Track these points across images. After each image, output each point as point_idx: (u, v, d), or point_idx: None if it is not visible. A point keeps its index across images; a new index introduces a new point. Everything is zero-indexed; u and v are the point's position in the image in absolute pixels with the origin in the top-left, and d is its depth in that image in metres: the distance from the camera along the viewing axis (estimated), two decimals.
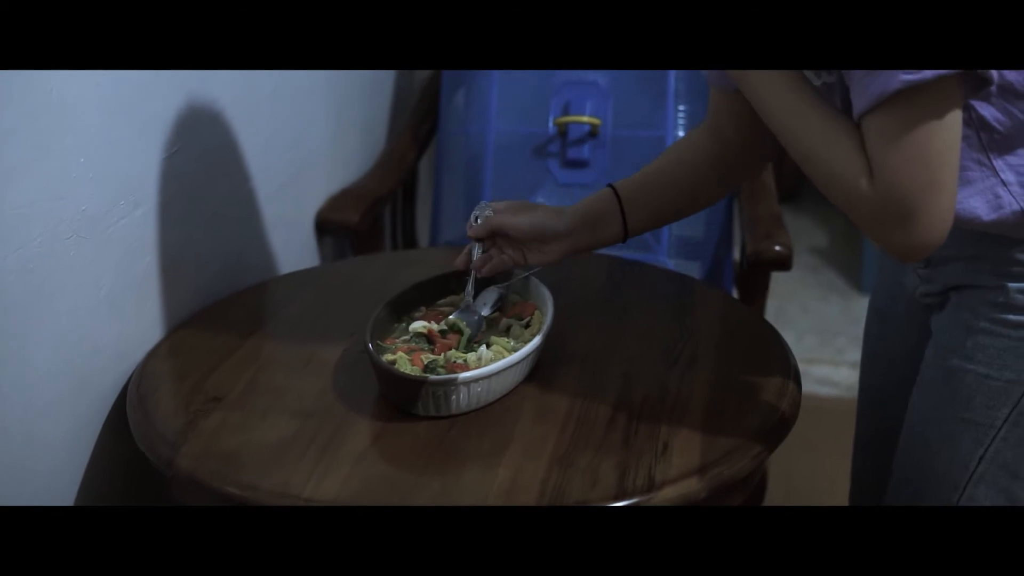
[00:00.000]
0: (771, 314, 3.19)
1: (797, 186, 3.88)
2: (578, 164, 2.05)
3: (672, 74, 2.06)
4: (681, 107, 2.06)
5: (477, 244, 1.42)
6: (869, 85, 1.04)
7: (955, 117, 1.05)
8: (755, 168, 1.51)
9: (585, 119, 2.04)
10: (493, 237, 1.42)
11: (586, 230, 1.41)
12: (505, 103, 2.12)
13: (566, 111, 2.07)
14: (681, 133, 2.05)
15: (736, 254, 2.16)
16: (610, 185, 1.43)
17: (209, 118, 1.64)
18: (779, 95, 1.14)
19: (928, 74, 1.02)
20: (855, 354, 3.02)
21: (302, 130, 1.97)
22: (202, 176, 1.62)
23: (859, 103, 1.07)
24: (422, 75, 2.50)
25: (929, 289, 1.29)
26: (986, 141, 1.15)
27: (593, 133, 2.05)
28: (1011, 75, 1.11)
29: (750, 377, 1.37)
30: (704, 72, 1.40)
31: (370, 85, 2.30)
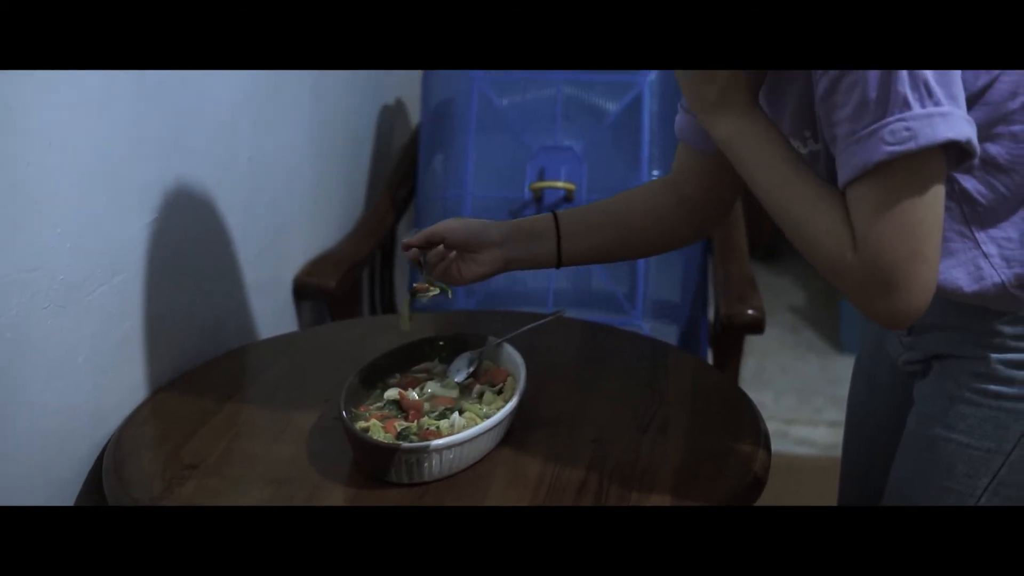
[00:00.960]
0: (750, 373, 3.24)
1: (775, 245, 3.92)
2: None
3: (646, 140, 2.10)
4: (655, 172, 2.10)
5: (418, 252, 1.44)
6: (855, 155, 1.07)
7: (938, 189, 1.07)
8: (707, 226, 1.51)
9: (560, 184, 2.08)
10: (430, 246, 1.42)
11: (520, 243, 1.42)
12: (481, 168, 2.15)
13: (541, 176, 2.10)
14: None
15: (711, 315, 2.18)
16: (553, 212, 1.44)
17: (188, 186, 1.66)
18: (766, 163, 1.17)
19: (912, 145, 1.04)
20: (833, 414, 3.06)
21: (281, 195, 2.00)
22: (181, 243, 1.64)
23: (844, 172, 1.09)
24: (401, 139, 2.53)
25: (912, 357, 1.31)
26: (968, 214, 1.17)
27: (568, 198, 2.08)
28: (993, 149, 1.14)
29: (721, 442, 1.39)
30: (676, 128, 1.42)
31: (349, 149, 2.33)
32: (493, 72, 2.18)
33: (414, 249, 1.41)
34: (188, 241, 1.67)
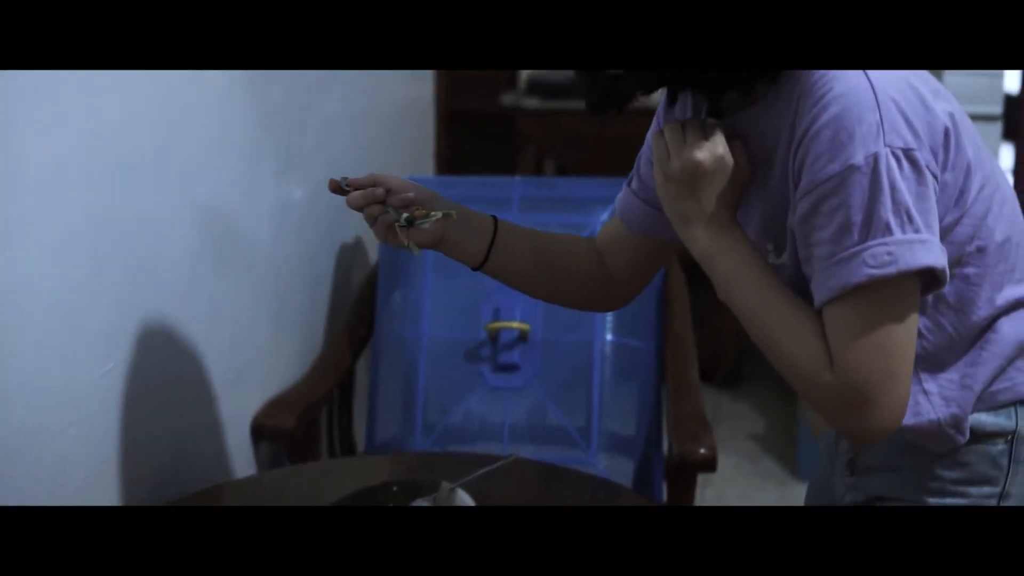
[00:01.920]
0: (710, 503, 3.25)
1: (736, 371, 3.95)
2: (509, 368, 2.11)
3: None
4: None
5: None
6: (834, 276, 1.11)
7: (914, 313, 1.12)
8: (617, 297, 1.54)
9: (515, 325, 2.11)
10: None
11: (459, 228, 1.39)
12: (438, 307, 2.19)
13: (496, 316, 2.14)
14: (609, 337, 2.12)
15: (666, 449, 2.21)
16: (495, 217, 1.44)
17: (146, 330, 1.68)
18: (744, 282, 1.20)
19: (892, 269, 1.09)
20: None
21: (240, 335, 2.02)
22: (139, 386, 1.66)
23: (822, 292, 1.12)
24: (359, 276, 2.56)
25: (854, 498, 1.33)
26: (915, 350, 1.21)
27: (523, 338, 2.11)
28: (947, 288, 1.17)
29: None
30: (617, 202, 1.47)
31: (308, 287, 2.36)
32: None
33: (357, 192, 1.35)
34: (146, 383, 1.68)
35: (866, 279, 1.09)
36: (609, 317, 2.13)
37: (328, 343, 2.41)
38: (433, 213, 1.36)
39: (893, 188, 1.10)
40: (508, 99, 4.48)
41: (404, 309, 2.23)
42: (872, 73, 1.13)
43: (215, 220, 1.89)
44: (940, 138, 1.15)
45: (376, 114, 2.76)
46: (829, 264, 1.12)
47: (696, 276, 1.42)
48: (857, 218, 1.10)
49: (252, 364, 2.08)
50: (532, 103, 4.30)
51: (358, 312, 2.40)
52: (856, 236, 1.10)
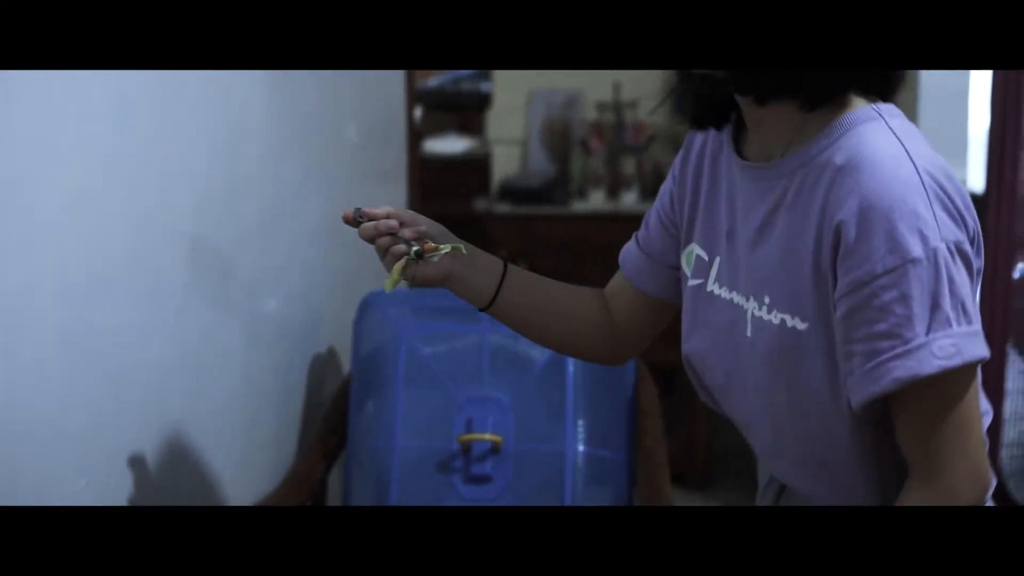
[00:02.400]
0: None
1: (708, 472, 3.95)
2: (481, 480, 2.11)
3: (570, 391, 2.16)
4: (580, 421, 2.15)
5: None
6: (896, 368, 1.15)
7: (976, 398, 1.20)
8: (621, 351, 1.56)
9: (487, 436, 2.12)
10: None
11: (468, 266, 1.42)
12: (410, 418, 2.19)
13: (469, 428, 2.15)
14: (581, 447, 2.13)
15: None
16: (504, 260, 1.47)
17: (119, 446, 1.69)
18: None
19: (958, 361, 1.15)
20: None
21: (211, 448, 2.02)
22: (110, 502, 1.66)
23: (880, 384, 1.17)
24: (332, 386, 2.57)
25: None
26: (881, 450, 1.26)
27: (495, 449, 2.12)
28: None
29: None
30: (621, 257, 1.51)
31: (281, 397, 2.36)
32: (421, 323, 2.25)
33: (370, 223, 1.38)
34: (118, 499, 1.68)
35: (938, 370, 1.14)
36: (581, 427, 2.15)
37: (301, 453, 2.41)
38: (442, 247, 1.38)
39: (951, 281, 1.14)
40: (480, 204, 4.53)
41: (377, 419, 2.24)
42: (913, 152, 1.16)
43: (188, 333, 1.90)
44: (975, 230, 1.20)
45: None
46: (889, 357, 1.15)
47: (668, 381, 1.45)
48: (919, 311, 1.14)
49: (224, 476, 2.07)
50: (504, 208, 4.35)
51: (330, 422, 2.40)
52: (918, 328, 1.14)
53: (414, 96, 3.40)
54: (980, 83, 3.01)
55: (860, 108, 1.22)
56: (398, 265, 1.38)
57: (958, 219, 1.16)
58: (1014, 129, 2.74)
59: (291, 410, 2.43)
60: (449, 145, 5.51)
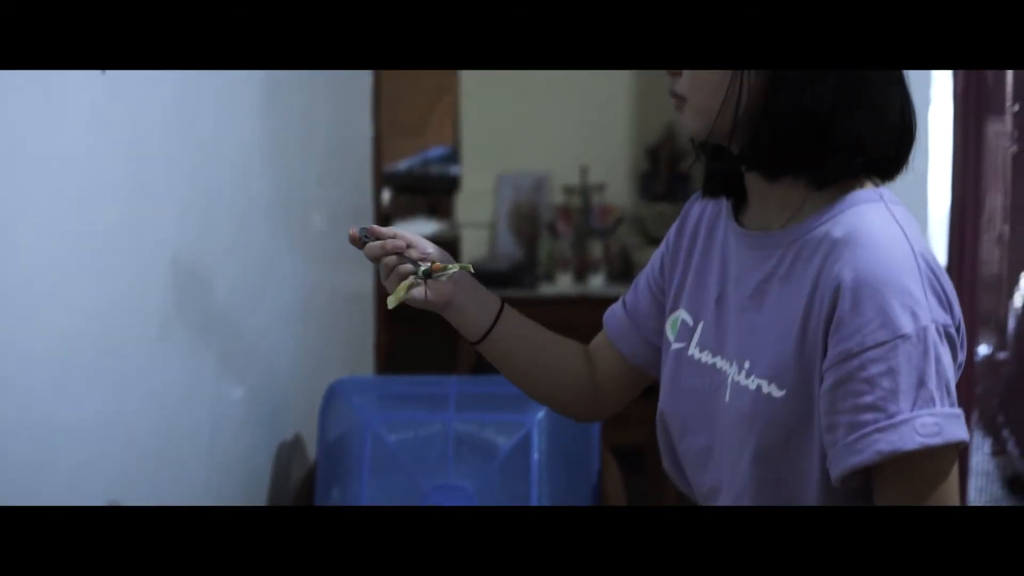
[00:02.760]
0: None
1: None
2: None
3: (535, 479, 2.16)
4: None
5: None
6: (878, 441, 1.16)
7: (956, 481, 1.19)
8: (599, 408, 1.57)
9: None
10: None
11: (469, 294, 1.43)
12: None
13: None
14: None
15: None
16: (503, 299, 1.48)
17: None
18: None
19: (939, 440, 1.15)
20: None
21: None
22: None
23: (860, 456, 1.17)
24: (298, 474, 2.56)
25: None
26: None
27: None
28: None
29: None
30: (606, 318, 1.52)
31: (248, 486, 2.35)
32: (386, 410, 2.25)
33: (377, 243, 1.39)
34: None
35: (920, 447, 1.15)
36: None
37: None
38: (450, 267, 1.39)
39: (938, 362, 1.16)
40: None
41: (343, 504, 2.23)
42: (910, 235, 1.20)
43: (154, 419, 1.89)
44: (960, 322, 1.23)
45: (316, 309, 2.80)
46: (872, 430, 1.16)
47: (637, 461, 1.45)
48: (905, 386, 1.15)
49: None
50: None
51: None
52: (903, 404, 1.15)
53: (381, 179, 3.43)
54: (940, 163, 3.06)
55: (864, 190, 1.26)
56: (404, 283, 1.39)
57: (946, 305, 1.20)
58: (974, 210, 2.78)
59: (257, 498, 2.41)
60: (417, 228, 5.55)
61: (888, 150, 1.25)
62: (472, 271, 1.42)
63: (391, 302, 1.40)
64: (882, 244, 1.19)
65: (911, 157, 1.29)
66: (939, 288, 1.19)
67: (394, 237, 1.40)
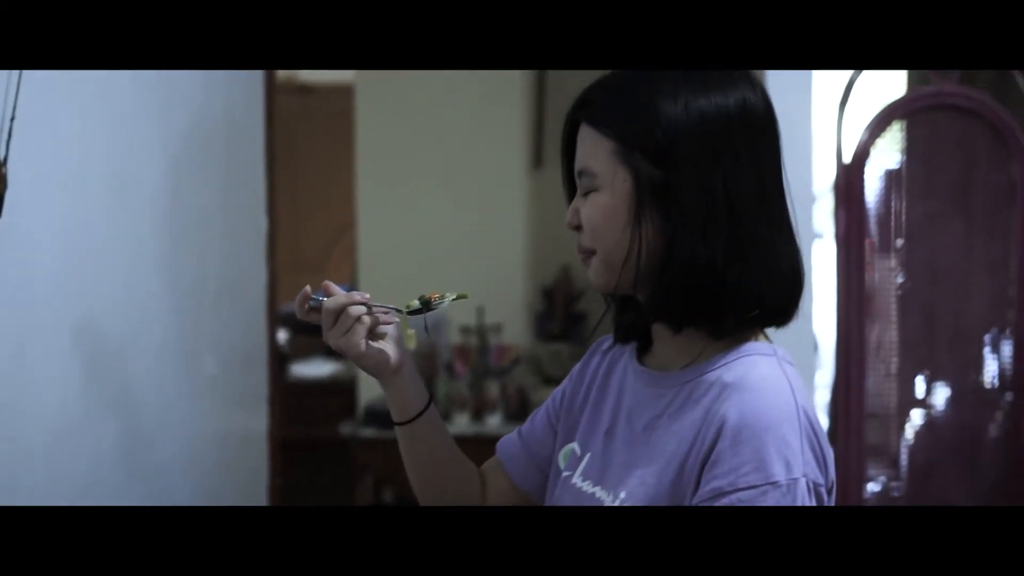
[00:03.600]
0: None
1: None
2: None
3: None
4: None
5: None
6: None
7: None
8: None
9: None
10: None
11: (412, 375, 1.43)
12: None
13: None
14: None
15: None
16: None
17: None
18: None
19: None
20: None
21: None
22: None
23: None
24: None
25: None
26: None
27: None
28: None
29: None
30: (499, 447, 1.53)
31: None
32: None
33: (341, 295, 1.37)
34: None
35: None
36: None
37: None
38: (448, 294, 1.38)
39: None
40: (346, 428, 4.49)
41: None
42: (797, 391, 1.23)
43: None
44: (832, 485, 1.24)
45: (208, 448, 2.74)
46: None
47: None
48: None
49: None
50: (369, 432, 4.31)
51: None
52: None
53: (276, 320, 3.40)
54: (826, 301, 3.13)
55: (760, 343, 1.31)
56: (404, 326, 1.39)
57: (822, 465, 1.22)
58: (859, 345, 2.84)
59: None
60: (315, 369, 5.50)
61: (781, 300, 1.30)
62: (468, 297, 1.44)
63: (410, 343, 1.40)
64: (769, 392, 1.22)
65: (801, 304, 1.33)
66: (817, 447, 1.22)
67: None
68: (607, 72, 1.34)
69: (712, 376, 1.27)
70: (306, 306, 1.37)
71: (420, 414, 1.45)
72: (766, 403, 1.21)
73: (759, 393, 1.22)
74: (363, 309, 1.37)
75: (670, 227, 1.26)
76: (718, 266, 1.25)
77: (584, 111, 1.33)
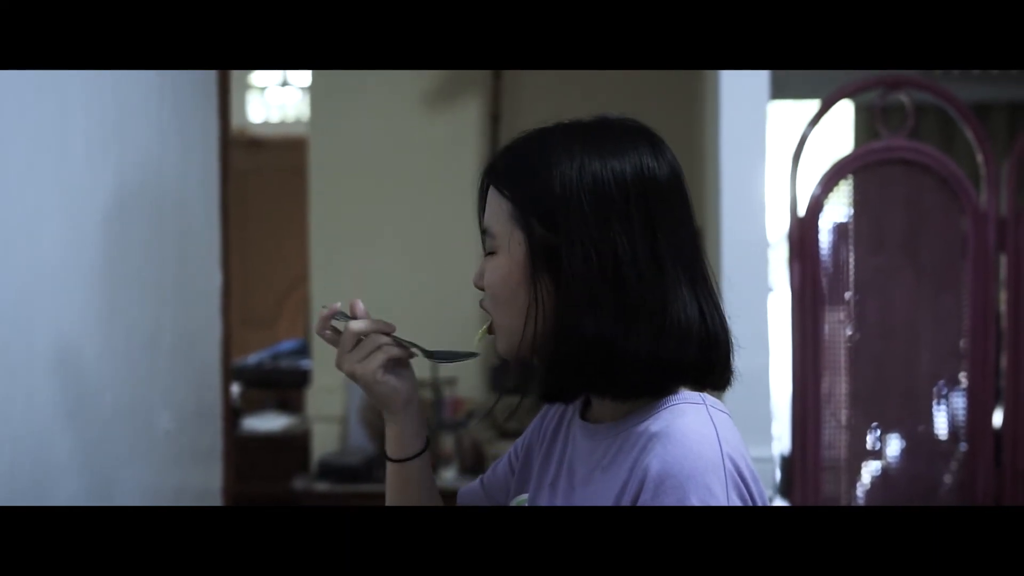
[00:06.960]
0: None
1: None
2: None
3: None
4: None
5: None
6: None
7: None
8: None
9: None
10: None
11: (418, 412, 1.45)
12: None
13: None
14: None
15: None
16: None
17: None
18: None
19: None
20: None
21: None
22: None
23: None
24: None
25: None
26: None
27: None
28: None
29: None
30: (460, 494, 1.56)
31: None
32: None
33: (367, 320, 1.38)
34: None
35: None
36: None
37: None
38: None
39: None
40: (299, 483, 4.45)
41: None
42: (723, 438, 1.22)
43: None
44: None
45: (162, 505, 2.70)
46: None
47: None
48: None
49: None
50: (323, 487, 4.28)
51: None
52: None
53: (230, 374, 3.37)
54: (782, 353, 3.16)
55: (689, 392, 1.30)
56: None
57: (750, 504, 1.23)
58: (815, 397, 2.86)
59: None
60: (268, 423, 5.46)
61: (689, 359, 1.28)
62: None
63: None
64: (692, 441, 1.22)
65: (733, 363, 1.33)
66: (744, 491, 1.22)
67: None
68: (515, 136, 1.35)
69: (640, 428, 1.27)
70: (329, 323, 1.37)
71: (417, 455, 1.46)
72: (689, 452, 1.21)
73: (682, 442, 1.22)
74: (387, 339, 1.38)
75: (561, 293, 1.27)
76: (605, 335, 1.25)
77: (492, 173, 1.34)
